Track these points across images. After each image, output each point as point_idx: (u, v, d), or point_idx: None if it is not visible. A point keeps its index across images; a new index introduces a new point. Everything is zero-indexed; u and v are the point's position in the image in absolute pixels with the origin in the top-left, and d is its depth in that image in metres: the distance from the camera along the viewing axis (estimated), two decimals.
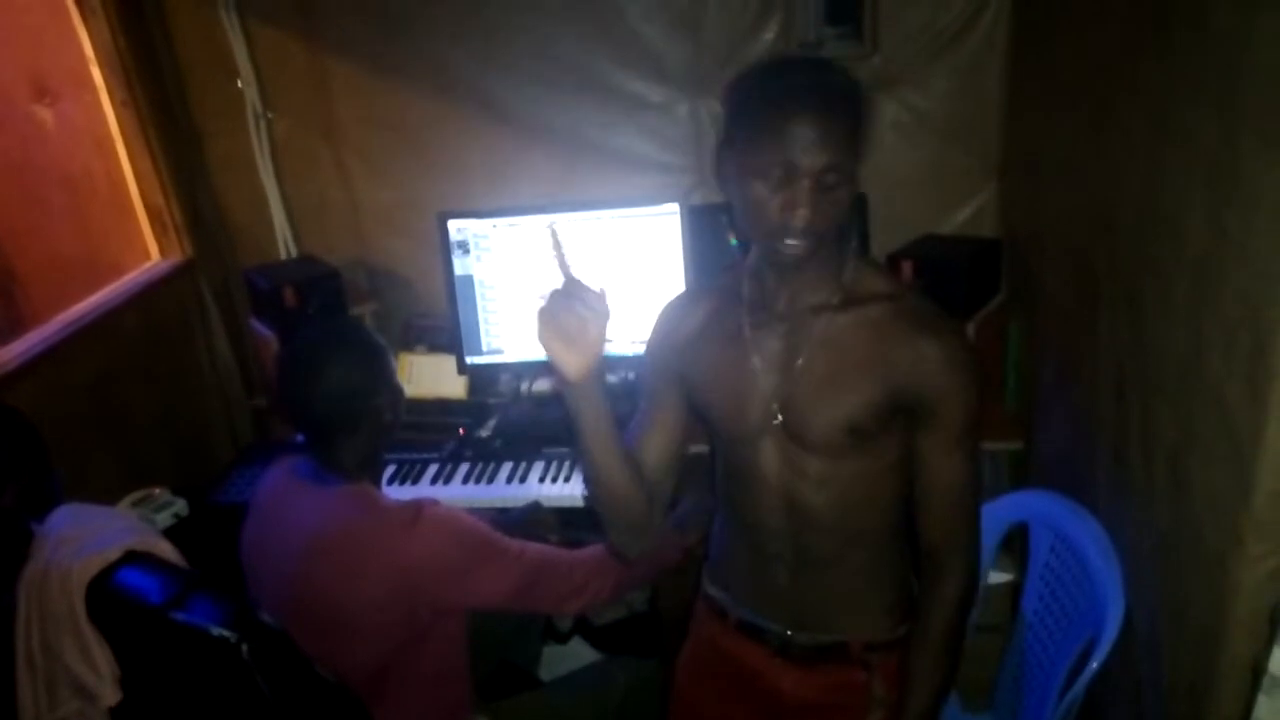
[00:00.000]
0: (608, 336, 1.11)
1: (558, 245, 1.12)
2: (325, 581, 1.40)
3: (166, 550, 1.33)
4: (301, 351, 1.50)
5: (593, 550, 1.62)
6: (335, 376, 1.44)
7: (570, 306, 1.08)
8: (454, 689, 1.57)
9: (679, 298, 1.36)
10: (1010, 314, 2.13)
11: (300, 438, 1.54)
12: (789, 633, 1.31)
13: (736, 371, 1.24)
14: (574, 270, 1.12)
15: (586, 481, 1.28)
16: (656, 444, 1.33)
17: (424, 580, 1.40)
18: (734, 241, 2.13)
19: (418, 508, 1.44)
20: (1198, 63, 1.20)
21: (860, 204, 2.19)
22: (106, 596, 1.25)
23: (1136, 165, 1.42)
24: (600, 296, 1.10)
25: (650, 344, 1.35)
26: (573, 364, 1.11)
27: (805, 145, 1.04)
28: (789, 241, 1.09)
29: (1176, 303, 1.26)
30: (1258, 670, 0.96)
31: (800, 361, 1.20)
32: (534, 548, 1.55)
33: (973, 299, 2.06)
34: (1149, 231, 1.36)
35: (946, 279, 2.04)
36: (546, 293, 1.11)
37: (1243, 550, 1.06)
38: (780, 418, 1.22)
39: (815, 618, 1.30)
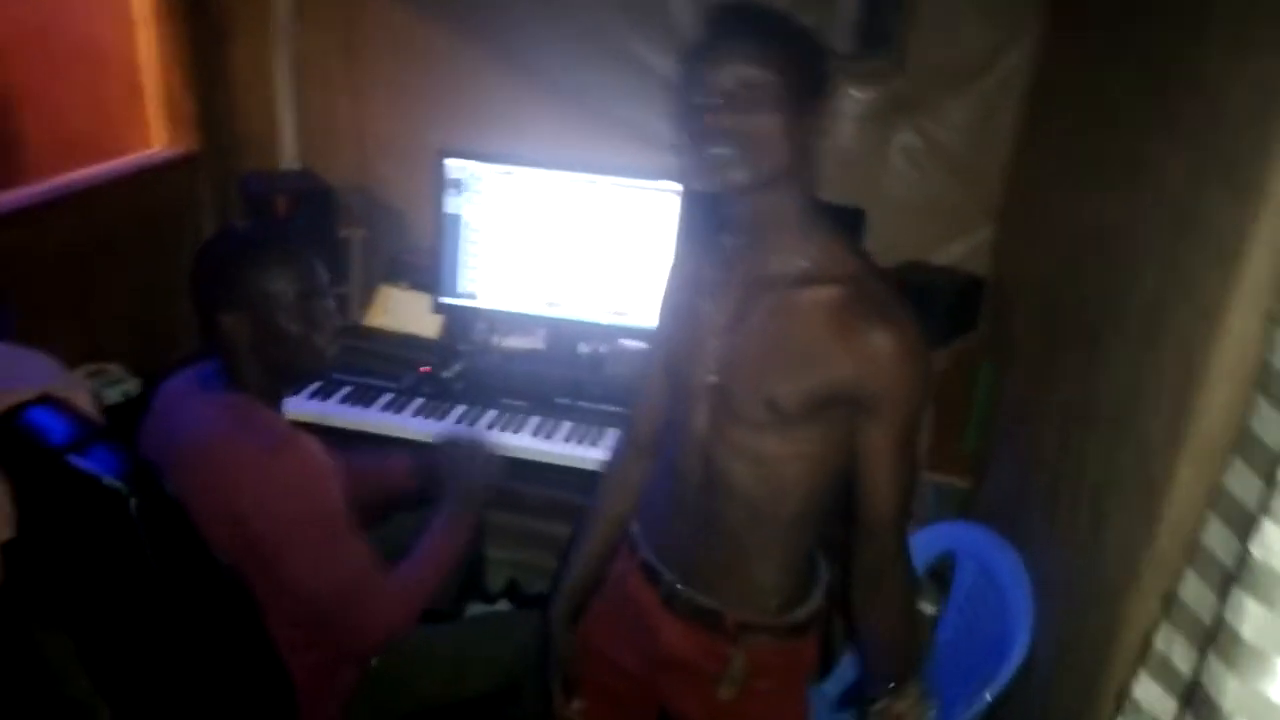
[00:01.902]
0: None
1: None
2: (189, 488, 1.30)
3: (83, 401, 1.32)
4: (217, 244, 1.41)
5: (402, 574, 1.47)
6: (242, 279, 1.34)
7: None
8: None
9: (682, 245, 1.38)
10: (983, 354, 2.13)
11: None
12: (678, 585, 1.31)
13: (694, 324, 1.26)
14: None
15: None
16: (654, 403, 1.39)
17: (254, 513, 1.29)
18: None
19: (286, 439, 1.32)
20: (1180, 105, 1.20)
21: (856, 218, 2.19)
22: (12, 433, 1.24)
23: (1115, 212, 1.42)
24: None
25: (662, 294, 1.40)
26: None
27: (713, 61, 1.08)
28: (712, 151, 1.08)
29: (1126, 344, 1.26)
30: (1122, 696, 0.95)
31: (743, 329, 1.19)
32: (364, 558, 1.39)
33: (948, 330, 2.06)
34: (1114, 275, 1.37)
35: (926, 306, 2.04)
36: None
37: (1138, 584, 1.05)
38: (714, 379, 1.22)
39: (703, 579, 1.29)
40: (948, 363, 2.02)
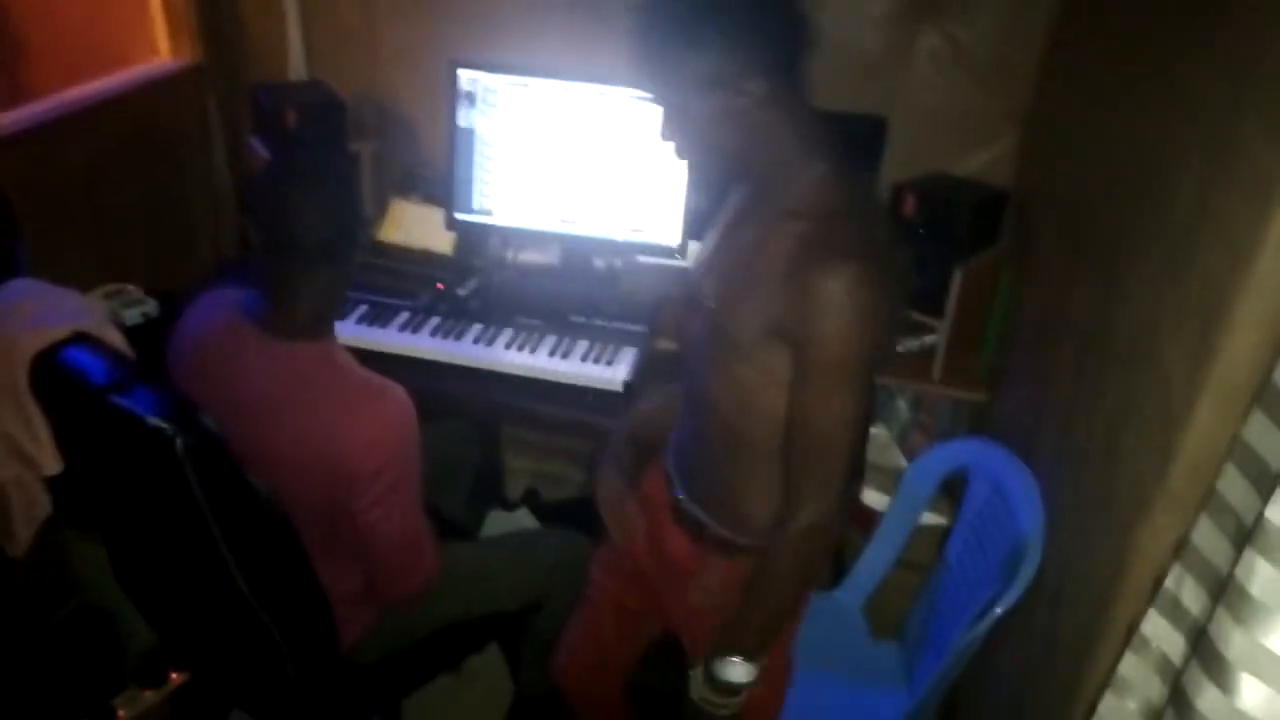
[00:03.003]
0: None
1: None
2: (269, 437, 1.35)
3: (115, 338, 1.33)
4: (302, 167, 1.40)
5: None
6: (328, 204, 1.35)
7: None
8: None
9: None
10: (1004, 267, 2.11)
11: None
12: (679, 494, 1.41)
13: (714, 252, 1.33)
14: None
15: None
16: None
17: (357, 454, 1.36)
18: None
19: (383, 388, 1.40)
20: (1219, 28, 1.16)
21: (878, 127, 2.15)
22: (51, 372, 1.26)
23: (1146, 134, 1.39)
24: None
25: None
26: None
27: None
28: None
29: (1148, 275, 1.25)
30: (1131, 630, 0.98)
31: (731, 259, 1.26)
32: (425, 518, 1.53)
33: (970, 244, 2.04)
34: (1142, 201, 1.34)
35: (948, 219, 2.02)
36: None
37: (1150, 520, 1.07)
38: (710, 304, 1.28)
39: (698, 493, 1.38)
40: (970, 275, 2.00)
